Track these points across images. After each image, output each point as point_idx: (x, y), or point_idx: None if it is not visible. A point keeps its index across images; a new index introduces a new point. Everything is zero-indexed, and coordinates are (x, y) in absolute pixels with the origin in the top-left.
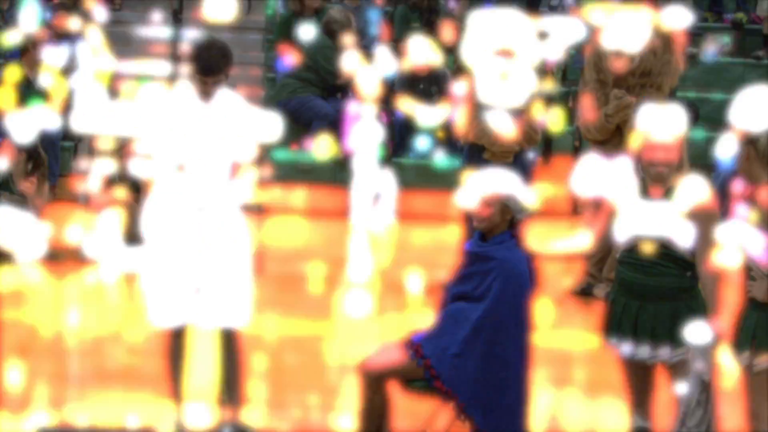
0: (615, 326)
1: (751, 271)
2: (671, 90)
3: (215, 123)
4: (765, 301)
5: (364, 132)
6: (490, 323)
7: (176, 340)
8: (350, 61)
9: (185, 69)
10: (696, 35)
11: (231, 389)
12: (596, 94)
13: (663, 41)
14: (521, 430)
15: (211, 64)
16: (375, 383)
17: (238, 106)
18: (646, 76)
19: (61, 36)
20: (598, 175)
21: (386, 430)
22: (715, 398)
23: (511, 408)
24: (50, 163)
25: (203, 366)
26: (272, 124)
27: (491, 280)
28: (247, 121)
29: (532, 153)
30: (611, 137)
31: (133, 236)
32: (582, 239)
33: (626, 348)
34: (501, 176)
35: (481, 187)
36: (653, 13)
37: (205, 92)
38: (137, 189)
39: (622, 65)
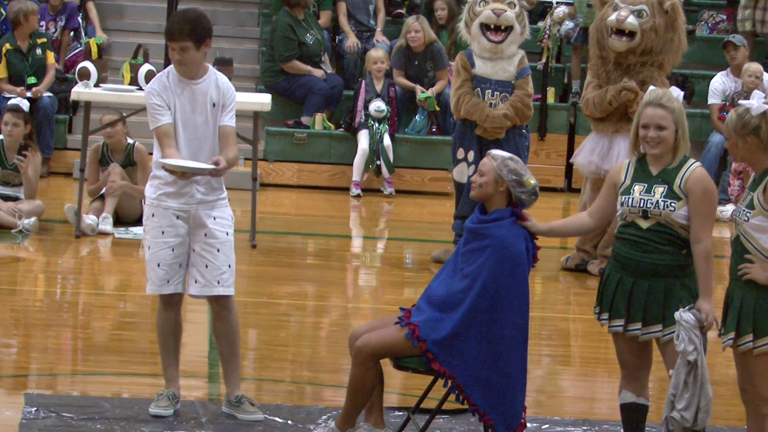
0: (609, 302)
1: (746, 253)
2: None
3: (203, 96)
4: (766, 284)
5: (371, 106)
6: (486, 303)
7: (169, 312)
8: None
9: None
10: (692, 12)
11: (227, 362)
12: (597, 71)
13: (665, 20)
14: (520, 408)
15: (172, 29)
16: (369, 360)
17: (224, 80)
18: (647, 55)
19: (56, 8)
20: (597, 151)
21: (377, 406)
22: (704, 379)
23: (509, 386)
24: (45, 137)
25: (197, 339)
26: (264, 99)
27: (486, 258)
28: (232, 95)
29: (525, 129)
30: (610, 115)
31: (125, 208)
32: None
33: (619, 324)
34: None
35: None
36: None
37: (175, 60)
38: (131, 162)
39: (623, 43)
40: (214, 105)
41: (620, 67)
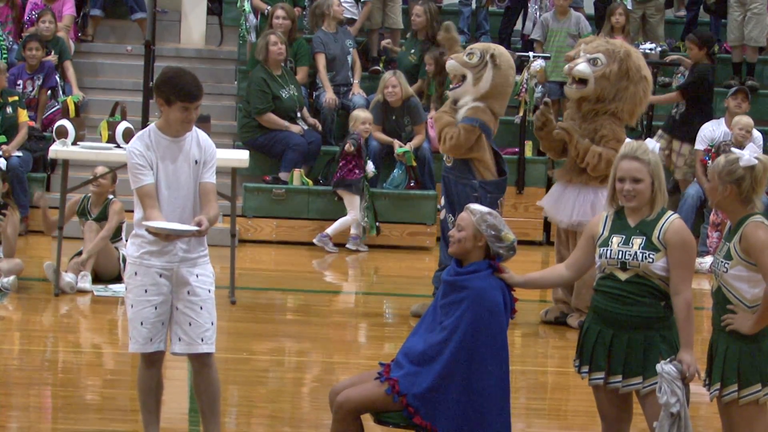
0: (589, 354)
1: (729, 304)
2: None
3: (185, 155)
4: (749, 333)
5: (368, 167)
6: (465, 355)
7: (151, 370)
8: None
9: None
10: (670, 64)
11: (208, 419)
12: (568, 119)
13: (620, 68)
14: None
15: (194, 90)
16: (349, 416)
17: (204, 137)
18: (601, 103)
19: (34, 68)
20: (553, 198)
21: None
22: (688, 431)
23: None
24: (18, 196)
25: (178, 396)
26: (242, 156)
27: (463, 310)
28: (213, 152)
29: (478, 182)
30: (566, 164)
31: (104, 266)
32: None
33: (599, 376)
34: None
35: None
36: (621, 42)
37: (188, 120)
38: (106, 216)
39: (574, 90)
40: (196, 162)
41: (579, 115)
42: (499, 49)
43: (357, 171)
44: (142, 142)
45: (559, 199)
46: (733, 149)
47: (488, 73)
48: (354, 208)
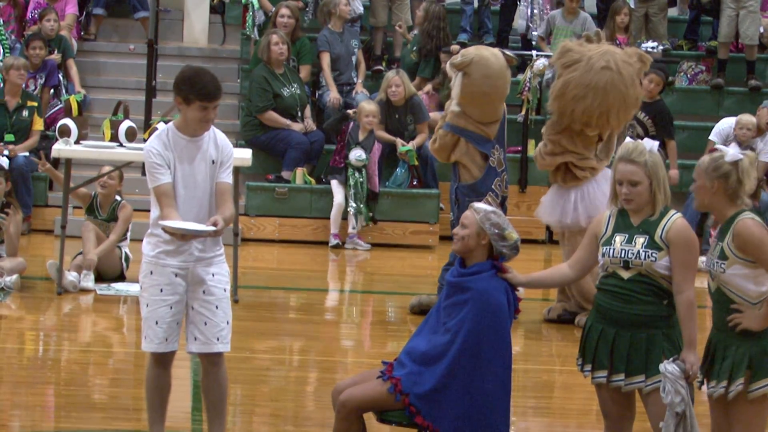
0: (591, 353)
1: (731, 303)
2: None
3: (203, 154)
4: (758, 329)
5: (351, 154)
6: (468, 356)
7: (161, 370)
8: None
9: (164, 99)
10: (672, 62)
11: (213, 418)
12: None
13: (558, 69)
14: None
15: (213, 89)
16: (352, 415)
17: (222, 137)
18: None
19: (37, 66)
20: (563, 204)
21: None
22: (694, 430)
23: None
24: (22, 196)
25: (181, 395)
26: (245, 154)
27: (467, 311)
28: (230, 152)
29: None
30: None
31: (106, 266)
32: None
33: (602, 375)
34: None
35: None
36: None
37: (206, 119)
38: (114, 218)
39: None
40: (213, 162)
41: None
42: (482, 55)
43: (338, 158)
44: (160, 142)
45: (547, 198)
46: (718, 146)
47: (456, 80)
48: (337, 195)
